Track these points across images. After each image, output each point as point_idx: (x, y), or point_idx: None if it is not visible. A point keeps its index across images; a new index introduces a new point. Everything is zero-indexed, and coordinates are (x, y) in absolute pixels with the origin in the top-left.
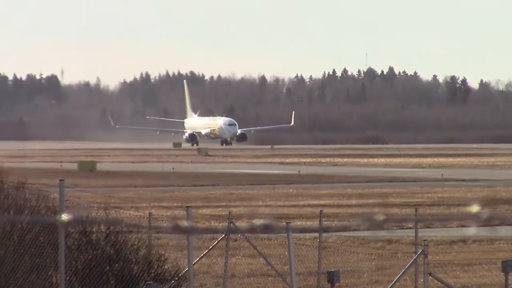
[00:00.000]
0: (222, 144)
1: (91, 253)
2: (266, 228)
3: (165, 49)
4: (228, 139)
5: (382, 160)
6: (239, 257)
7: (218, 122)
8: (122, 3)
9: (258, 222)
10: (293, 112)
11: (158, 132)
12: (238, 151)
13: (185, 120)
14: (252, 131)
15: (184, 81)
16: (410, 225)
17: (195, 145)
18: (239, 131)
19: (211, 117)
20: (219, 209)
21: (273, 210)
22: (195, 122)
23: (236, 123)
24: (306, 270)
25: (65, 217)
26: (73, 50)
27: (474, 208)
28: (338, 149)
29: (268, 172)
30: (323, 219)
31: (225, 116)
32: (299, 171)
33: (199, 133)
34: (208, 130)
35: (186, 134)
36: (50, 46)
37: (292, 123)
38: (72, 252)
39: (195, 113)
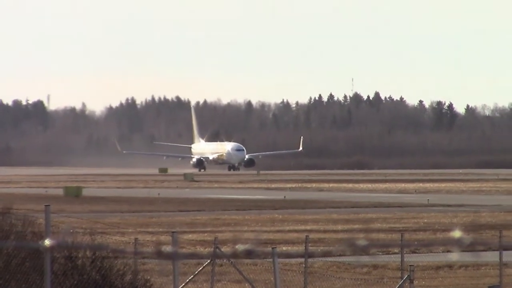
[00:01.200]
0: (229, 170)
1: (77, 278)
2: (249, 253)
3: (150, 74)
4: (236, 164)
5: (368, 185)
6: (225, 282)
7: (225, 147)
8: (107, 29)
9: (241, 247)
10: (302, 137)
11: (164, 157)
12: (224, 177)
13: (192, 145)
14: (260, 157)
15: (192, 105)
16: (396, 250)
17: (202, 170)
18: (247, 156)
19: (218, 142)
20: (205, 234)
21: (259, 235)
22: (202, 147)
23: (244, 148)
24: None
25: (48, 242)
26: (59, 75)
27: (457, 233)
28: (324, 174)
29: (253, 197)
30: (309, 245)
31: (233, 142)
32: (284, 196)
33: (207, 158)
34: (215, 156)
35: (194, 159)
36: (36, 72)
37: (301, 148)
38: (58, 277)
39: (202, 138)
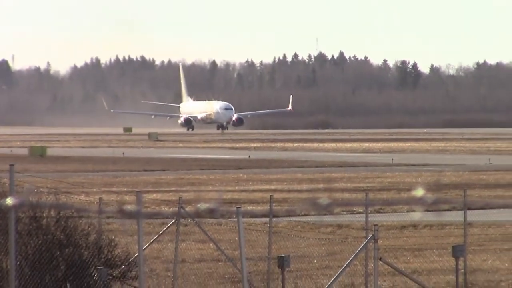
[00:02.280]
0: (218, 129)
1: (41, 238)
2: (212, 212)
3: (115, 34)
4: (224, 123)
5: (333, 145)
6: (190, 242)
7: (214, 106)
8: None
9: (203, 206)
10: (291, 96)
11: (153, 116)
12: (189, 136)
13: (181, 105)
14: (249, 116)
15: (180, 65)
16: (360, 210)
17: (190, 130)
18: (235, 115)
19: (207, 101)
20: (169, 194)
21: (223, 195)
22: (190, 107)
23: (232, 107)
24: (257, 255)
25: (10, 201)
26: (23, 35)
27: (419, 192)
28: (288, 134)
29: (218, 157)
30: (273, 204)
31: (220, 101)
32: (249, 156)
33: (195, 117)
34: (204, 115)
35: (181, 119)
36: (1, 32)
37: (290, 107)
38: (22, 237)
39: (191, 97)
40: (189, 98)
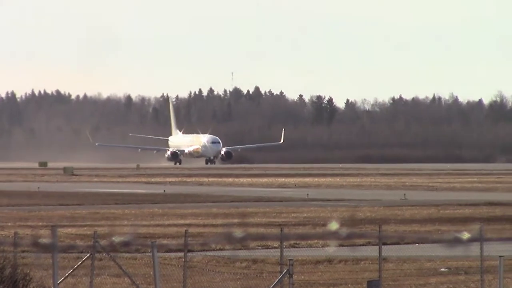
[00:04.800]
0: (206, 163)
1: None
2: (126, 245)
3: (30, 68)
4: (212, 157)
5: (248, 179)
6: (105, 276)
7: (201, 140)
8: None
9: (117, 239)
10: (283, 129)
11: (139, 150)
12: (104, 171)
13: (170, 138)
14: (239, 149)
15: (170, 98)
16: (275, 245)
17: (178, 164)
18: (224, 149)
19: (194, 135)
20: (84, 228)
21: (138, 229)
22: (178, 140)
23: (219, 141)
24: None
25: None
26: None
27: (334, 226)
28: (203, 169)
29: (133, 191)
30: (188, 239)
31: (208, 134)
32: (164, 191)
33: (182, 151)
34: (191, 149)
35: (168, 153)
36: None
37: (282, 140)
38: None
39: (180, 131)
40: (178, 131)
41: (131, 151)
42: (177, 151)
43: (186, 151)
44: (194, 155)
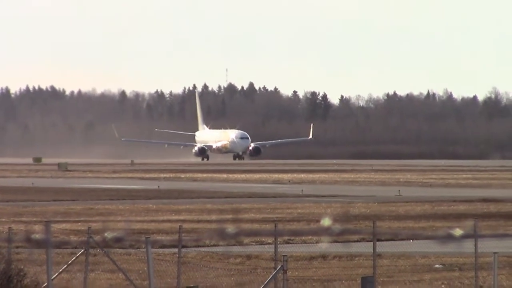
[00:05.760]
0: (234, 159)
1: None
2: (119, 241)
3: (25, 63)
4: (240, 153)
5: (242, 175)
6: (99, 272)
7: (229, 135)
8: None
9: (110, 235)
10: (312, 124)
11: (166, 145)
12: (99, 166)
13: (196, 133)
14: (267, 145)
15: (196, 92)
16: (270, 241)
17: (205, 159)
18: (252, 145)
19: (222, 130)
20: (79, 224)
21: (133, 225)
22: (206, 135)
23: (248, 136)
24: (166, 286)
25: None
26: None
27: (328, 222)
28: (198, 165)
29: (128, 187)
30: (183, 235)
31: (237, 129)
32: (158, 186)
33: (210, 146)
34: (219, 144)
35: (196, 148)
36: None
37: (311, 136)
38: None
39: (207, 126)
40: (204, 126)
41: (157, 146)
42: (204, 147)
43: (214, 146)
44: (222, 150)
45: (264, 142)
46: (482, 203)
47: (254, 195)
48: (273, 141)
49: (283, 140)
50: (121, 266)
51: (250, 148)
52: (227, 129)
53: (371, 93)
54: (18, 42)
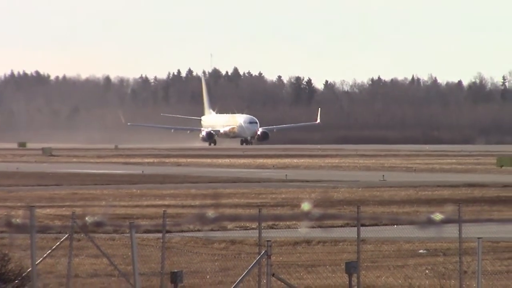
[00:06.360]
0: (242, 144)
1: None
2: (101, 225)
3: (10, 48)
4: (249, 138)
5: (227, 160)
6: (83, 257)
7: (237, 120)
8: None
9: (91, 219)
10: (319, 108)
11: (172, 130)
12: (83, 151)
13: (202, 118)
14: (274, 130)
15: (202, 76)
16: (254, 226)
17: (212, 144)
18: (260, 130)
19: (230, 114)
20: (63, 208)
21: (117, 210)
22: (213, 120)
23: (257, 121)
24: (150, 271)
25: None
26: None
27: (306, 207)
28: (182, 150)
29: (112, 172)
30: (167, 220)
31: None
32: (143, 171)
33: (217, 131)
34: (227, 129)
35: (203, 133)
36: None
37: (318, 120)
38: None
39: (213, 110)
40: (211, 110)
41: (163, 131)
42: (212, 131)
43: (222, 131)
44: (229, 135)
45: (272, 126)
46: (467, 188)
47: (239, 180)
48: (281, 125)
49: (291, 124)
50: (105, 251)
51: (258, 133)
52: (234, 113)
53: (355, 78)
54: (2, 27)
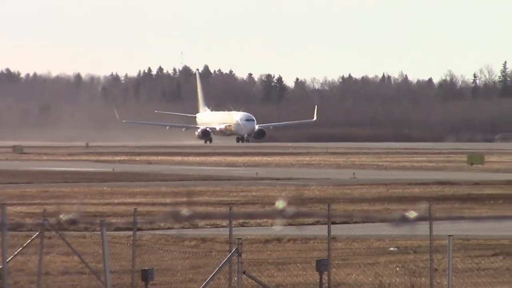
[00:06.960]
0: (238, 141)
1: None
2: (73, 223)
3: None
4: (245, 135)
5: (197, 158)
6: (54, 254)
7: (234, 117)
8: None
9: (65, 217)
10: (316, 106)
11: (167, 127)
12: (53, 149)
13: (197, 115)
14: (271, 127)
15: (196, 72)
16: (224, 224)
17: (208, 142)
18: (257, 127)
19: (226, 112)
20: (34, 206)
21: (88, 207)
22: (208, 117)
23: (254, 118)
24: (121, 268)
25: None
26: None
27: (283, 205)
28: (152, 147)
29: (82, 170)
30: (137, 217)
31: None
32: (113, 169)
33: (213, 129)
34: (223, 126)
35: (199, 131)
36: None
37: (315, 118)
38: None
39: (208, 107)
40: (206, 108)
41: (158, 128)
42: (208, 129)
43: (218, 128)
44: (225, 132)
45: (267, 124)
46: (437, 186)
47: (209, 178)
48: (277, 123)
49: (287, 122)
50: (76, 249)
51: (255, 130)
52: (231, 110)
53: (326, 76)
54: None
